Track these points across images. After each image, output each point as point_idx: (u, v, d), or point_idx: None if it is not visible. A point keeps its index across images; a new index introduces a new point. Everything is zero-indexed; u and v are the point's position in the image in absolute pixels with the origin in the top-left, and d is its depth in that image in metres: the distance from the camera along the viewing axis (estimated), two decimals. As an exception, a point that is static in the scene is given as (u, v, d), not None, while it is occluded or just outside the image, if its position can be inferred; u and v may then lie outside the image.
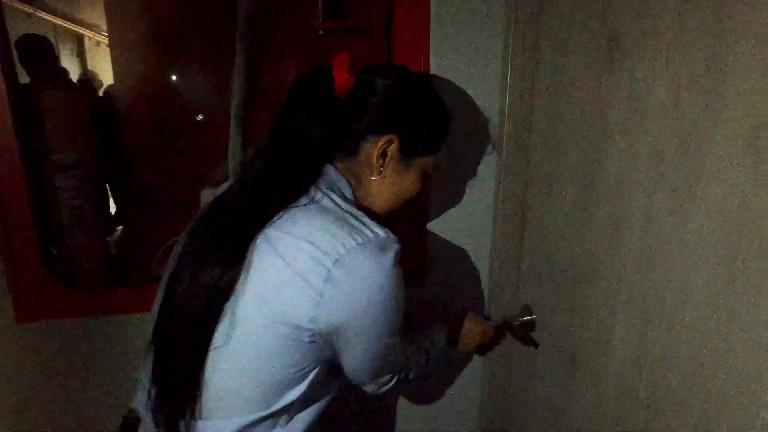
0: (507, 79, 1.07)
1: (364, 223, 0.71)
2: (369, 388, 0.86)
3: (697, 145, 0.64)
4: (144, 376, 0.79)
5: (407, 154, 0.81)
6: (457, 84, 1.11)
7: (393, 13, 1.06)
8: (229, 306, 0.69)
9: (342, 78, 0.75)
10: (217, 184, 1.19)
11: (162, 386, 0.75)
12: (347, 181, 0.79)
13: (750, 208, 0.57)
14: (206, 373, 0.71)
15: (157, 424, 0.75)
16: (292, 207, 0.72)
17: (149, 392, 0.76)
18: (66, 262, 1.07)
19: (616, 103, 0.78)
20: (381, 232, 0.70)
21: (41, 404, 1.11)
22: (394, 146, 0.79)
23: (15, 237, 0.98)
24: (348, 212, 0.72)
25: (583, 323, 0.91)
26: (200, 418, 0.72)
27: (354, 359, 0.75)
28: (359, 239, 0.68)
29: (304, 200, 0.73)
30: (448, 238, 1.22)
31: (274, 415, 0.73)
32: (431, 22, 1.05)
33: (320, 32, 1.14)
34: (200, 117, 1.22)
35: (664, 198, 0.70)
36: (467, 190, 1.18)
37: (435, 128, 0.85)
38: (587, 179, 0.87)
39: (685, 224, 0.66)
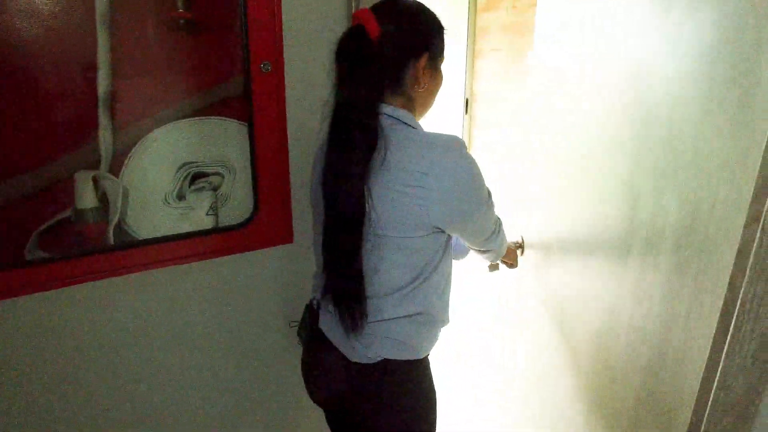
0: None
1: (433, 138, 0.92)
2: (486, 246, 1.16)
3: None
4: (320, 278, 1.05)
5: (433, 59, 0.98)
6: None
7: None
8: (367, 229, 0.92)
9: (373, 27, 0.89)
10: (90, 167, 1.07)
11: (338, 284, 0.99)
12: (403, 109, 0.96)
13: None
14: (367, 266, 0.96)
15: (337, 306, 0.99)
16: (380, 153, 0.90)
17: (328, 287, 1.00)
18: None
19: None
20: (445, 137, 0.92)
21: None
22: (425, 58, 0.95)
23: None
24: (417, 135, 0.93)
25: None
26: (372, 297, 0.98)
27: (473, 228, 1.03)
28: (435, 152, 0.90)
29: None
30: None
31: (418, 278, 0.99)
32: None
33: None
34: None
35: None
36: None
37: (439, 30, 0.99)
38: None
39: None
